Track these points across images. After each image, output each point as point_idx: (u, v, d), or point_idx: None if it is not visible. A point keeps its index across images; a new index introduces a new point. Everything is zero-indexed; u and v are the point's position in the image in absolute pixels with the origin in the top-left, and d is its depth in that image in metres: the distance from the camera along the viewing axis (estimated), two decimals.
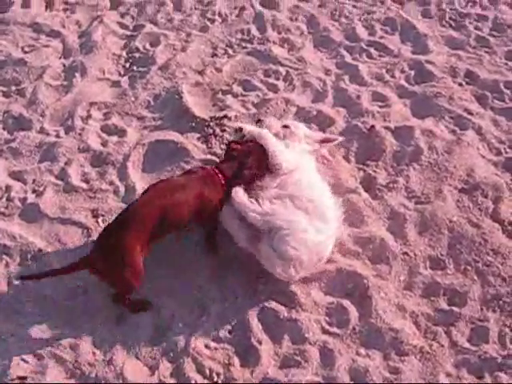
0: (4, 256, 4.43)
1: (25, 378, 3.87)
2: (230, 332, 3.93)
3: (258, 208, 3.96)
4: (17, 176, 4.90)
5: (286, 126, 4.49)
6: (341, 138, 4.62)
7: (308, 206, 4.01)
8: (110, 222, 4.04)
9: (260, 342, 3.86)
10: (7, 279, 4.32)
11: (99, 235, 3.96)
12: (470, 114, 4.96)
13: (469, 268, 4.13)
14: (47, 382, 3.81)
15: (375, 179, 4.56)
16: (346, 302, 4.01)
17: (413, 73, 5.32)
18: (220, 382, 3.74)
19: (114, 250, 3.78)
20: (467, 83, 5.23)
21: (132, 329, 4.01)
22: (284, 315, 3.95)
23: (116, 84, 5.52)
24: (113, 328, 4.03)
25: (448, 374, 3.72)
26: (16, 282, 4.28)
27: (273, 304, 4.00)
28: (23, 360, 3.94)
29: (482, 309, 3.97)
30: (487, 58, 5.43)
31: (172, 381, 3.77)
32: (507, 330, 3.88)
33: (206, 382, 3.75)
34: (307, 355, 3.79)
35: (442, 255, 4.19)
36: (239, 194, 4.02)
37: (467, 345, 3.84)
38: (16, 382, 3.86)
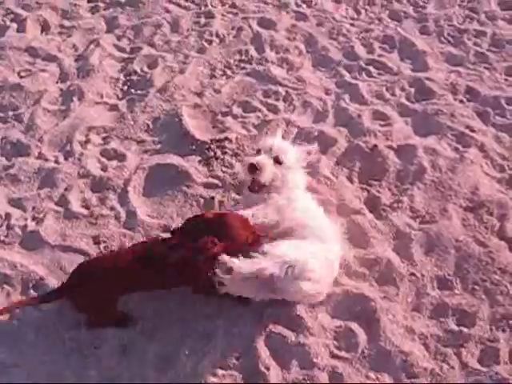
0: (5, 285, 4.40)
1: None
2: (237, 359, 3.89)
3: (260, 262, 3.75)
4: (16, 203, 4.88)
5: (278, 161, 4.20)
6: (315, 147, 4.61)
7: (307, 232, 3.98)
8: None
9: (268, 368, 3.82)
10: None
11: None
12: (472, 131, 4.96)
13: (477, 287, 4.10)
14: None
15: (379, 199, 4.55)
16: (354, 325, 3.97)
17: (413, 90, 5.33)
18: None
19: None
20: (468, 100, 5.23)
21: (138, 358, 3.97)
22: (291, 340, 3.91)
23: (114, 108, 5.51)
24: (118, 357, 3.99)
25: None
26: (18, 311, 4.24)
27: (279, 329, 3.97)
28: None
29: (491, 329, 3.94)
30: (487, 74, 5.44)
31: None
32: None
33: None
34: (316, 380, 3.76)
35: (449, 275, 4.16)
36: (237, 264, 3.71)
37: (478, 366, 3.81)
38: None
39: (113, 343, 4.03)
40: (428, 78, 5.41)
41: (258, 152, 4.22)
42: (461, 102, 5.22)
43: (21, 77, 5.92)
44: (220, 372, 3.85)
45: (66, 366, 3.97)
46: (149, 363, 3.93)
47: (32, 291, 4.35)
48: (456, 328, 3.96)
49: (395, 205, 4.51)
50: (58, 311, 4.20)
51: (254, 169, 4.04)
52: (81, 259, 4.44)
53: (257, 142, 4.65)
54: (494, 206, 4.47)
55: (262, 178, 4.05)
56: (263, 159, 4.09)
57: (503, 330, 3.93)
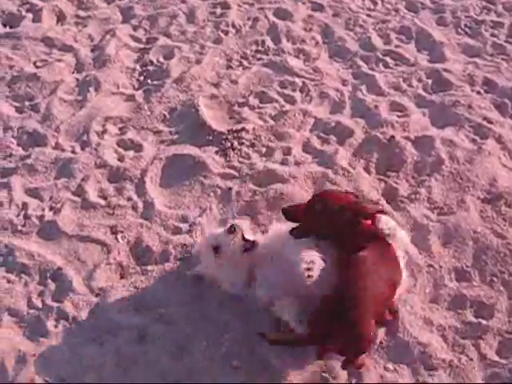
0: (23, 275, 4.41)
1: None
2: (253, 349, 3.89)
3: None
4: (33, 193, 4.89)
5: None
6: None
7: None
8: None
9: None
10: (27, 299, 4.30)
11: None
12: (490, 122, 4.92)
13: (495, 279, 4.08)
14: None
15: (397, 190, 4.52)
16: None
17: (430, 81, 5.30)
18: None
19: None
20: (485, 91, 5.20)
21: (154, 345, 3.97)
22: None
23: (131, 98, 5.50)
24: (135, 345, 3.99)
25: None
26: (36, 301, 4.26)
27: None
28: (46, 381, 3.92)
29: (509, 321, 3.91)
30: (505, 66, 5.40)
31: None
32: None
33: None
34: (335, 372, 3.76)
35: (467, 267, 4.14)
36: None
37: (496, 358, 3.78)
38: None
39: (130, 330, 4.03)
40: (445, 69, 5.38)
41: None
42: (478, 93, 5.18)
43: (37, 67, 5.93)
44: (235, 362, 3.85)
45: (83, 356, 3.97)
46: (165, 351, 3.93)
47: (50, 281, 4.36)
48: (474, 320, 3.93)
49: (413, 196, 4.49)
50: (75, 303, 4.22)
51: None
52: (98, 249, 4.45)
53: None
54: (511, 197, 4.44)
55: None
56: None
57: None
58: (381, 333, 3.88)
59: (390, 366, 3.77)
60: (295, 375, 3.76)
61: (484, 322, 3.92)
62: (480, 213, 4.38)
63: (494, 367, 3.74)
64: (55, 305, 4.23)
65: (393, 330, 3.89)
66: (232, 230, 3.84)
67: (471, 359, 3.77)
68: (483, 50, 5.55)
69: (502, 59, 5.48)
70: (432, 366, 3.76)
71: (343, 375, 3.74)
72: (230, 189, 4.66)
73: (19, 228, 4.67)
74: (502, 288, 4.05)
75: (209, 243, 3.95)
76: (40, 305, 4.26)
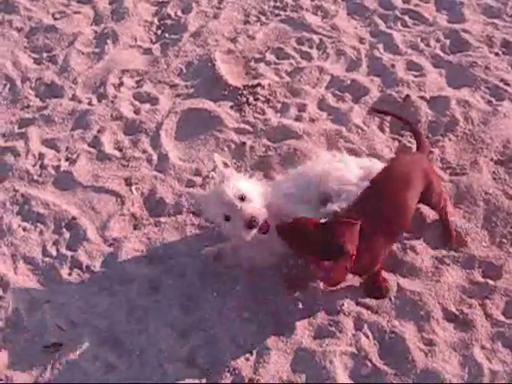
0: (38, 224, 4.47)
1: (60, 344, 3.91)
2: (263, 302, 3.92)
3: None
4: (50, 144, 4.92)
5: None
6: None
7: None
8: None
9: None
10: (42, 247, 4.35)
11: None
12: (507, 84, 4.84)
13: (504, 241, 4.05)
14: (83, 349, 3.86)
15: (410, 150, 4.49)
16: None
17: (448, 42, 5.21)
18: (253, 350, 3.75)
19: None
20: (504, 53, 5.10)
21: (165, 296, 4.02)
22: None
23: (148, 51, 5.48)
24: (146, 296, 4.04)
25: (483, 347, 3.68)
26: (51, 250, 4.31)
27: None
28: (59, 327, 3.98)
29: None
30: None
31: (206, 349, 3.78)
32: None
33: (239, 350, 3.76)
34: (341, 326, 3.78)
35: (477, 227, 4.12)
36: None
37: (502, 318, 3.77)
38: (51, 349, 3.90)
39: (141, 281, 4.08)
40: (464, 30, 5.28)
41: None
42: (496, 54, 5.09)
43: (55, 18, 5.93)
44: (245, 314, 3.89)
45: (96, 304, 4.04)
46: (176, 302, 3.97)
47: (64, 230, 4.40)
48: (482, 280, 3.92)
49: None
50: (89, 252, 4.26)
51: (253, 222, 3.62)
52: (112, 200, 4.48)
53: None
54: None
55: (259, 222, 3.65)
56: (250, 210, 3.63)
57: None
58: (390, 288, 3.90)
59: (397, 322, 3.79)
60: (303, 329, 3.78)
61: (492, 282, 3.90)
62: (492, 174, 4.33)
63: (499, 327, 3.74)
64: (69, 253, 4.29)
65: (400, 287, 3.90)
66: (252, 224, 3.61)
67: (477, 319, 3.77)
68: (503, 11, 5.42)
69: None
70: (437, 321, 3.77)
71: (350, 329, 3.77)
72: (244, 144, 4.65)
73: (35, 178, 4.71)
74: (511, 250, 4.01)
75: (221, 211, 3.70)
76: (54, 253, 4.32)
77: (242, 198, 3.64)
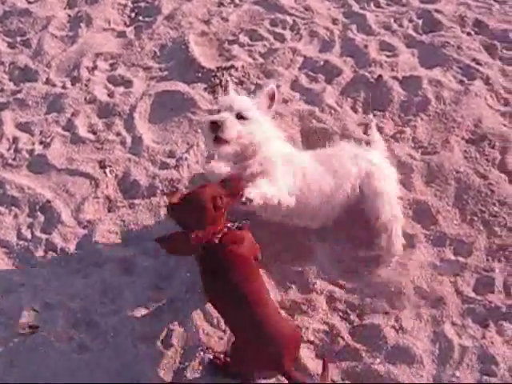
0: (13, 207, 4.45)
1: (36, 327, 3.91)
2: None
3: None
4: (24, 127, 4.89)
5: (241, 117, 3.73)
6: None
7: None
8: None
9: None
10: (16, 230, 4.34)
11: None
12: (479, 63, 4.87)
13: (475, 218, 4.09)
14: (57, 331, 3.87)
15: (382, 129, 4.50)
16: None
17: (421, 22, 5.22)
18: (226, 329, 3.77)
19: None
20: (476, 33, 5.13)
21: (139, 276, 4.03)
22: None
23: (121, 34, 5.45)
24: (120, 276, 4.05)
25: (453, 323, 3.72)
26: (25, 233, 4.30)
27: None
28: (34, 310, 3.97)
29: (487, 259, 3.94)
30: (496, 7, 5.31)
31: (180, 328, 3.79)
32: None
33: (212, 329, 3.78)
34: (314, 304, 3.82)
35: (448, 205, 4.15)
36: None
37: (472, 294, 3.82)
38: (26, 330, 3.90)
39: (115, 263, 4.08)
40: (436, 10, 5.29)
41: (218, 112, 3.77)
42: (468, 34, 5.11)
43: (29, 2, 5.87)
44: None
45: (70, 286, 4.04)
46: (150, 282, 3.99)
47: (39, 213, 4.39)
48: (453, 257, 3.96)
49: (398, 135, 4.47)
50: (63, 235, 4.25)
51: (215, 126, 3.60)
52: (87, 183, 4.47)
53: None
54: (496, 138, 4.41)
55: (225, 134, 3.61)
56: (224, 116, 3.64)
57: (499, 261, 3.92)
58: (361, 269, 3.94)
59: (368, 300, 3.83)
60: None
61: (462, 259, 3.95)
62: (464, 153, 4.36)
63: (469, 303, 3.79)
64: (44, 236, 4.28)
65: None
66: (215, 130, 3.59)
67: (448, 295, 3.82)
68: None
69: (495, 1, 5.38)
70: (409, 297, 3.81)
71: (322, 307, 3.80)
72: None
73: (10, 162, 4.69)
74: (481, 227, 4.06)
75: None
76: (29, 236, 4.31)
77: (240, 116, 3.67)
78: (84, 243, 4.20)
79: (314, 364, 3.62)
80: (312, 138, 4.48)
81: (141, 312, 3.87)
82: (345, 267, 3.96)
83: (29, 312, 3.97)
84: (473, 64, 4.86)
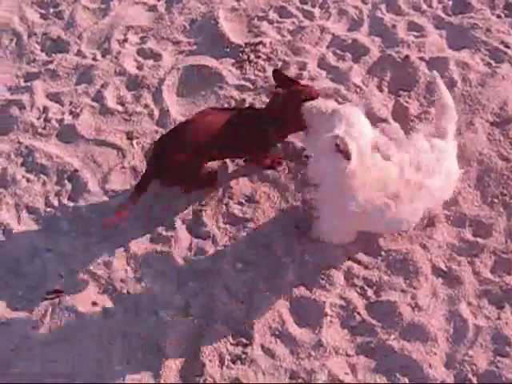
0: (41, 175, 4.54)
1: (61, 291, 4.02)
2: (257, 255, 4.04)
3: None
4: (54, 97, 4.96)
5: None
6: None
7: None
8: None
9: (287, 266, 3.98)
10: (44, 198, 4.44)
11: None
12: (507, 46, 4.83)
13: (495, 201, 4.11)
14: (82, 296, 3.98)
15: (407, 109, 4.51)
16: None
17: (451, 3, 5.17)
18: (245, 300, 3.87)
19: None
20: (506, 15, 5.07)
21: (163, 246, 4.15)
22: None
23: (152, 8, 5.47)
24: (145, 246, 4.15)
25: (469, 303, 3.76)
26: (53, 200, 4.40)
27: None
28: (59, 275, 4.09)
29: (506, 241, 3.96)
30: None
31: (198, 298, 3.90)
32: None
33: (232, 301, 3.88)
34: (332, 279, 3.88)
35: (469, 187, 4.17)
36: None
37: (490, 276, 3.86)
38: (52, 295, 4.01)
39: (141, 232, 4.21)
40: None
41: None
42: (498, 16, 5.06)
43: None
44: (239, 266, 4.03)
45: (95, 253, 4.15)
46: (175, 252, 4.12)
47: (66, 182, 4.48)
48: (472, 238, 3.99)
49: (422, 115, 4.47)
50: (90, 203, 4.36)
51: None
52: (114, 153, 4.55)
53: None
54: None
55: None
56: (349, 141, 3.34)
57: None
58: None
59: (386, 277, 3.87)
60: (295, 280, 3.89)
61: (481, 240, 3.98)
62: (487, 135, 4.37)
63: (486, 284, 3.82)
64: (71, 204, 4.38)
65: (391, 243, 3.97)
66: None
67: (465, 275, 3.85)
68: None
69: None
70: (426, 277, 3.85)
71: (339, 282, 3.87)
72: (244, 100, 4.68)
73: (39, 130, 4.77)
74: (501, 209, 4.08)
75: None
76: (56, 204, 4.41)
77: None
78: (109, 213, 4.28)
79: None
80: None
81: (163, 280, 3.97)
82: (364, 243, 4.01)
83: (54, 277, 4.08)
84: (501, 47, 4.82)
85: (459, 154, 4.10)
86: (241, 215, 4.17)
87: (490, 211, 4.07)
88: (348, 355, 3.66)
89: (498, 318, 3.71)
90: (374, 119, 4.36)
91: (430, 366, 3.60)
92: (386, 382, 3.58)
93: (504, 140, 4.33)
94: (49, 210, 4.39)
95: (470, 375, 3.55)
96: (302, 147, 4.33)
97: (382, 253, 3.96)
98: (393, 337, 3.68)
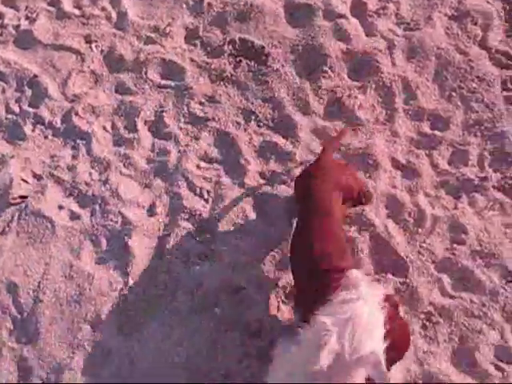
0: (0, 82, 4.46)
1: (25, 197, 4.02)
2: (220, 153, 4.05)
3: None
4: (9, 3, 4.83)
5: None
6: None
7: None
8: None
9: (249, 162, 4.00)
10: (5, 105, 4.39)
11: None
12: None
13: (453, 94, 4.12)
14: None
15: (365, 5, 4.44)
16: None
17: None
18: (210, 199, 3.90)
19: None
20: None
21: (126, 148, 4.16)
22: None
23: None
24: (108, 149, 4.17)
25: (427, 194, 3.83)
26: (14, 107, 4.35)
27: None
28: (24, 180, 4.09)
29: (463, 133, 4.01)
30: None
31: (165, 198, 3.93)
32: (486, 153, 3.92)
33: (196, 198, 3.91)
34: (293, 174, 3.93)
35: (427, 81, 4.18)
36: None
37: (447, 167, 3.92)
38: (17, 200, 4.01)
39: (103, 134, 4.20)
40: None
41: None
42: None
43: None
44: (203, 164, 4.03)
45: (59, 158, 4.17)
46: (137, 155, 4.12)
47: (26, 88, 4.41)
48: (430, 131, 4.03)
49: (381, 11, 4.41)
50: (50, 109, 4.32)
51: None
52: (73, 58, 4.47)
53: None
54: (479, 15, 4.35)
55: None
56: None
57: (475, 135, 3.99)
58: None
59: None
60: None
61: (439, 133, 4.01)
62: (446, 29, 4.34)
63: (444, 175, 3.88)
64: (32, 110, 4.34)
65: None
66: None
67: (423, 168, 3.92)
68: None
69: None
70: (385, 169, 3.92)
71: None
72: (202, 0, 4.59)
73: None
74: (459, 103, 4.10)
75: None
76: (17, 110, 4.36)
77: None
78: (71, 116, 4.24)
79: None
80: (295, 14, 4.44)
81: (128, 181, 4.00)
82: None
83: (19, 183, 4.08)
84: None
85: (418, 48, 4.11)
86: (202, 115, 4.16)
87: (448, 104, 4.09)
88: None
89: (455, 208, 3.79)
90: (333, 15, 4.34)
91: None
92: None
93: (462, 34, 4.31)
94: (10, 116, 4.34)
95: (428, 263, 3.66)
96: (261, 45, 4.30)
97: (342, 147, 3.99)
98: (353, 228, 3.77)
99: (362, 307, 2.81)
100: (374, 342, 2.77)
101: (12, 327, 3.70)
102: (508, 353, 3.41)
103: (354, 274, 2.97)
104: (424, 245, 3.69)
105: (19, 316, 3.72)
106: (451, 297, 3.56)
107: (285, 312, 3.57)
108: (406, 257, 3.66)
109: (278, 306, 3.58)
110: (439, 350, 3.45)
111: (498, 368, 3.38)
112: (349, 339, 2.74)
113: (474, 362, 3.40)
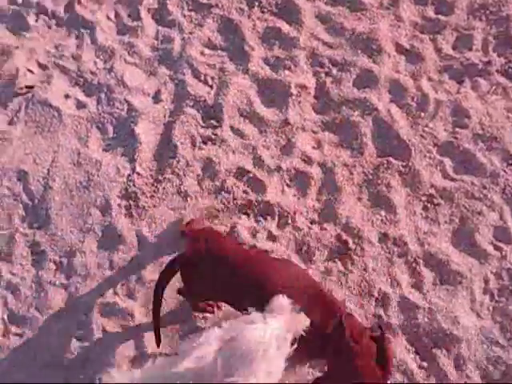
0: None
1: (32, 87, 4.04)
2: (225, 40, 4.04)
3: None
4: None
5: None
6: None
7: None
8: None
9: (253, 49, 3.99)
10: None
11: None
12: None
13: None
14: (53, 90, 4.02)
15: None
16: None
17: None
18: (214, 85, 3.92)
19: None
20: None
21: (132, 38, 4.13)
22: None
23: None
24: (113, 38, 4.15)
25: (430, 79, 3.84)
26: None
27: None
28: (29, 70, 4.09)
29: (468, 18, 3.97)
30: None
31: (170, 85, 3.95)
32: (491, 38, 3.91)
33: (201, 85, 3.93)
34: (297, 60, 3.92)
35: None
36: None
37: (451, 52, 3.90)
38: (24, 90, 4.03)
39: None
40: None
41: None
42: None
43: None
44: (207, 51, 4.02)
45: (64, 47, 4.15)
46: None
47: None
48: (434, 15, 3.99)
49: None
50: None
51: None
52: None
53: None
54: None
55: None
56: None
57: (480, 19, 3.96)
58: None
59: (350, 57, 3.91)
60: None
61: (443, 18, 3.98)
62: None
63: (447, 60, 3.87)
64: (34, 0, 4.30)
65: None
66: None
67: (427, 54, 3.89)
68: None
69: None
70: (389, 54, 3.90)
71: (304, 65, 3.91)
72: None
73: None
74: None
75: None
76: (20, 1, 4.32)
77: None
78: (74, 5, 4.21)
79: None
80: None
81: (130, 68, 4.02)
82: (327, 24, 4.03)
83: (25, 73, 4.08)
84: None
85: None
86: (205, 1, 4.13)
87: None
88: (314, 132, 3.78)
89: (458, 92, 3.80)
90: None
91: None
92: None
93: None
94: (13, 7, 4.28)
95: (430, 146, 3.69)
96: None
97: (346, 33, 3.96)
98: (356, 113, 3.79)
99: (254, 332, 2.48)
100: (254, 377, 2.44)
101: (24, 214, 3.76)
102: (507, 233, 3.49)
103: (281, 300, 2.61)
104: (426, 129, 3.72)
105: (30, 203, 3.77)
106: (452, 179, 3.62)
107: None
108: (409, 140, 3.70)
109: (283, 189, 3.65)
110: (440, 230, 3.52)
111: (496, 248, 3.46)
112: (223, 358, 2.46)
113: (474, 243, 3.48)
